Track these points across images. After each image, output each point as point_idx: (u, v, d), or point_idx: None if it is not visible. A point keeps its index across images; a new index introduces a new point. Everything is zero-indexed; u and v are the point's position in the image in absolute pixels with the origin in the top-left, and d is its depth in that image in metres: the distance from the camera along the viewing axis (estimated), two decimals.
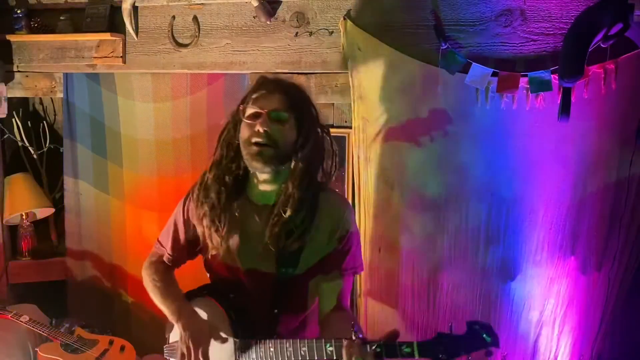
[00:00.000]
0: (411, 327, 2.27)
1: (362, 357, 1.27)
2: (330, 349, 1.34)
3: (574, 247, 2.07)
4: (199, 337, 1.45)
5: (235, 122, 1.55)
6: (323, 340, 1.37)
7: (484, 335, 1.24)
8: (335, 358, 1.35)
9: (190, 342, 1.44)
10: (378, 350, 1.27)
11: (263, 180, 1.54)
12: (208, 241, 1.57)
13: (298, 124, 1.48)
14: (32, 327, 2.50)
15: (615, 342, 2.09)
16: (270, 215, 1.50)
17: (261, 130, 1.44)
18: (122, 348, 2.56)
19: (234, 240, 1.55)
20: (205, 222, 1.56)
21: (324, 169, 1.59)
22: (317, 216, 1.52)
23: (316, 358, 1.37)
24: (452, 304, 2.23)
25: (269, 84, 1.52)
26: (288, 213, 1.47)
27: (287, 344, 1.41)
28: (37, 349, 2.49)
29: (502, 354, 2.19)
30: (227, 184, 1.55)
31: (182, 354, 1.45)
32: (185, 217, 1.65)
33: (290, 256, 1.51)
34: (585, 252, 2.06)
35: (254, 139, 1.45)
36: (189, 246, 1.67)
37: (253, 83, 1.56)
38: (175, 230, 1.68)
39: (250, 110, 1.49)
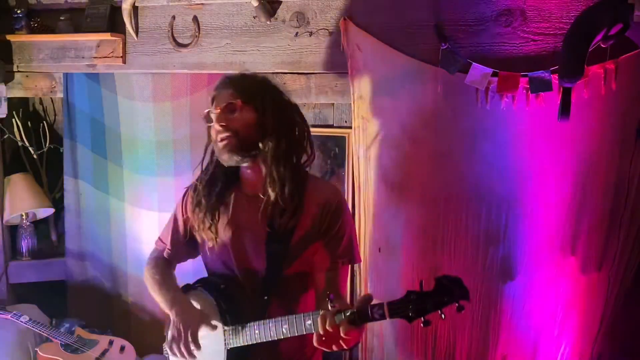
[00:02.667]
0: (412, 327, 2.27)
1: (337, 324, 1.29)
2: (309, 322, 1.38)
3: (574, 247, 2.07)
4: (190, 322, 1.51)
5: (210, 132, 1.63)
6: (302, 315, 1.41)
7: (453, 289, 1.24)
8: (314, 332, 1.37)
9: (181, 325, 1.50)
10: (351, 317, 1.29)
11: (248, 172, 1.60)
12: (203, 235, 1.64)
13: (253, 106, 1.54)
14: (32, 327, 2.50)
15: (615, 342, 2.09)
16: (261, 201, 1.56)
17: (218, 126, 1.52)
18: (122, 348, 2.57)
19: (227, 232, 1.60)
20: (200, 217, 1.63)
21: (303, 146, 1.62)
22: (306, 198, 1.56)
23: (297, 333, 1.42)
24: None
25: (220, 85, 1.60)
26: (270, 191, 1.53)
27: (270, 324, 1.47)
28: (37, 349, 2.49)
29: (502, 354, 2.19)
30: (217, 185, 1.63)
31: (173, 337, 1.50)
32: (184, 213, 1.72)
33: (280, 243, 1.55)
34: (585, 252, 2.06)
35: (218, 137, 1.54)
36: (188, 241, 1.74)
37: None
38: (175, 226, 1.75)
39: (212, 115, 1.56)
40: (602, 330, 2.07)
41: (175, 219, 1.75)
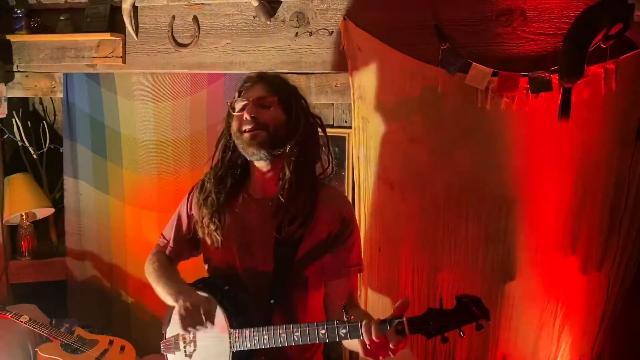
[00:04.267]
0: None
1: (384, 334, 1.27)
2: (344, 331, 1.35)
3: (574, 247, 2.07)
4: (200, 304, 1.49)
5: (228, 124, 1.60)
6: (316, 324, 1.39)
7: (473, 309, 1.24)
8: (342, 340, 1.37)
9: (191, 305, 1.48)
10: (399, 327, 1.27)
11: (262, 173, 1.58)
12: (207, 237, 1.61)
13: (286, 107, 1.54)
14: (32, 327, 2.50)
15: (615, 342, 2.09)
16: (271, 205, 1.54)
17: (248, 117, 1.50)
18: (122, 348, 2.57)
19: (233, 235, 1.58)
20: (205, 220, 1.60)
21: (322, 161, 1.63)
22: (317, 207, 1.56)
23: (309, 341, 1.40)
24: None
25: (253, 78, 1.60)
26: (285, 197, 1.52)
27: (280, 330, 1.43)
28: (37, 349, 2.49)
29: (502, 354, 2.19)
30: (226, 184, 1.60)
31: (182, 314, 1.47)
32: (189, 211, 1.71)
33: (289, 247, 1.54)
34: (585, 252, 2.06)
35: (244, 127, 1.51)
36: (191, 239, 1.72)
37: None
38: (179, 223, 1.73)
39: (237, 104, 1.55)
40: (602, 330, 2.07)
41: (179, 216, 1.74)
